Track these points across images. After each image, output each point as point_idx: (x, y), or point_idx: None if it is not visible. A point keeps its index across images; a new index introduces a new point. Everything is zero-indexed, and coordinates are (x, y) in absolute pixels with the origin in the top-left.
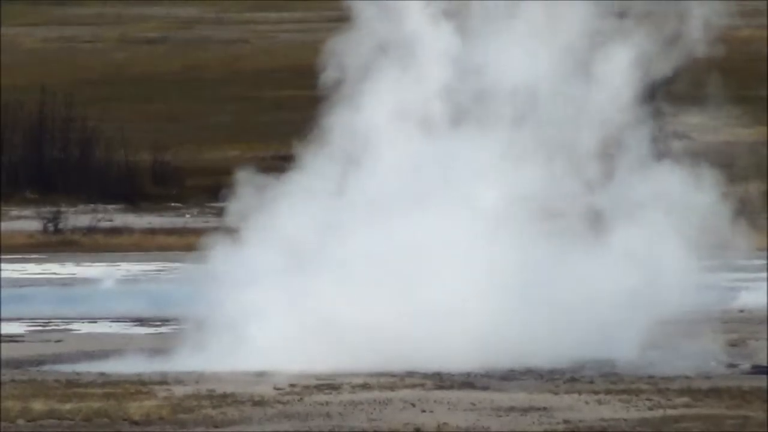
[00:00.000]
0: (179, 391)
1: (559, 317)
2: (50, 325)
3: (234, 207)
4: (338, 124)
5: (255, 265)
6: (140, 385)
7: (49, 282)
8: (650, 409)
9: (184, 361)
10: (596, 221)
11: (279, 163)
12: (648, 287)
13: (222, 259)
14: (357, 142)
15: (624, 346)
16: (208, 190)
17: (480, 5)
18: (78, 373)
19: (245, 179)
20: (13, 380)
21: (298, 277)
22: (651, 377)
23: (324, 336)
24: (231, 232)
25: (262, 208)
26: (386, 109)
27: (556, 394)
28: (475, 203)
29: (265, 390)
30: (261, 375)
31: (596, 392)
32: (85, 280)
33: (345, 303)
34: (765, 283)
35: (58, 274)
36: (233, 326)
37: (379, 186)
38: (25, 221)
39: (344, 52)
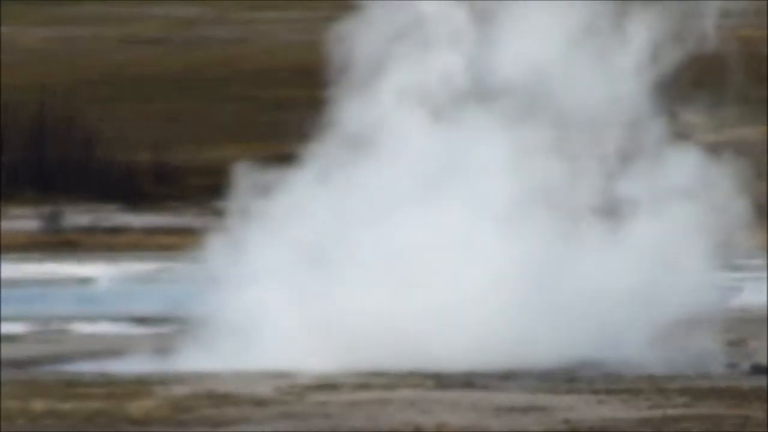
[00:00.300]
0: (179, 390)
1: (560, 316)
2: (50, 325)
3: (235, 205)
4: (345, 117)
5: (256, 263)
6: (140, 385)
7: (49, 281)
8: (650, 409)
9: (184, 361)
10: (601, 218)
11: (280, 162)
12: (653, 286)
13: (222, 258)
14: (363, 136)
15: (626, 345)
16: (208, 189)
17: None
18: (78, 373)
19: (247, 177)
20: (12, 380)
21: (299, 276)
22: (651, 377)
23: (326, 335)
24: (231, 230)
25: (263, 206)
26: (395, 100)
27: (556, 394)
28: (484, 199)
29: (265, 390)
30: (261, 375)
31: (596, 392)
32: (85, 280)
33: (348, 302)
34: (765, 283)
35: (58, 273)
36: (233, 326)
37: (386, 180)
38: (25, 221)
39: (353, 39)
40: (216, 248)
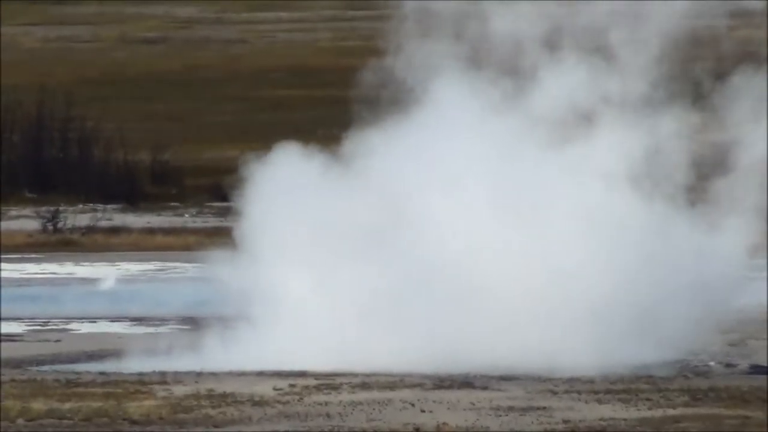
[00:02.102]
0: (179, 390)
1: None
2: (49, 325)
3: (238, 205)
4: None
5: (255, 262)
6: (140, 385)
7: (49, 281)
8: (650, 409)
9: (183, 361)
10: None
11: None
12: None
13: (222, 257)
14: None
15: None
16: (208, 189)
17: None
18: (77, 373)
19: (250, 176)
20: (12, 380)
21: (300, 276)
22: (651, 377)
23: (326, 335)
24: (231, 229)
25: (265, 204)
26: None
27: (555, 393)
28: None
29: (264, 390)
30: (261, 375)
31: (596, 392)
32: (84, 280)
33: (347, 301)
34: (765, 283)
35: (57, 273)
36: (233, 325)
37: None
38: (24, 221)
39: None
40: (215, 246)
